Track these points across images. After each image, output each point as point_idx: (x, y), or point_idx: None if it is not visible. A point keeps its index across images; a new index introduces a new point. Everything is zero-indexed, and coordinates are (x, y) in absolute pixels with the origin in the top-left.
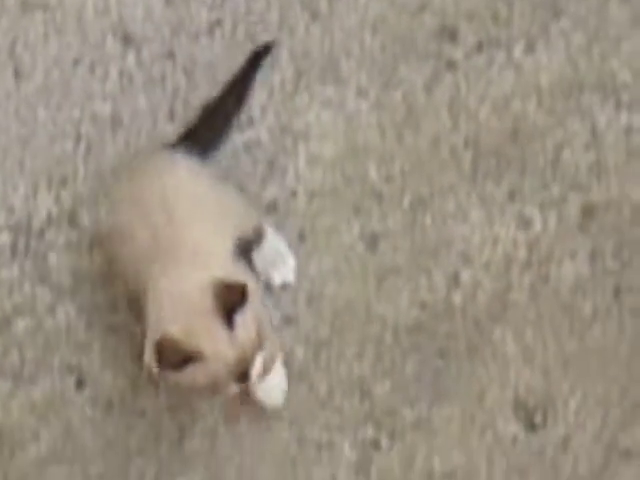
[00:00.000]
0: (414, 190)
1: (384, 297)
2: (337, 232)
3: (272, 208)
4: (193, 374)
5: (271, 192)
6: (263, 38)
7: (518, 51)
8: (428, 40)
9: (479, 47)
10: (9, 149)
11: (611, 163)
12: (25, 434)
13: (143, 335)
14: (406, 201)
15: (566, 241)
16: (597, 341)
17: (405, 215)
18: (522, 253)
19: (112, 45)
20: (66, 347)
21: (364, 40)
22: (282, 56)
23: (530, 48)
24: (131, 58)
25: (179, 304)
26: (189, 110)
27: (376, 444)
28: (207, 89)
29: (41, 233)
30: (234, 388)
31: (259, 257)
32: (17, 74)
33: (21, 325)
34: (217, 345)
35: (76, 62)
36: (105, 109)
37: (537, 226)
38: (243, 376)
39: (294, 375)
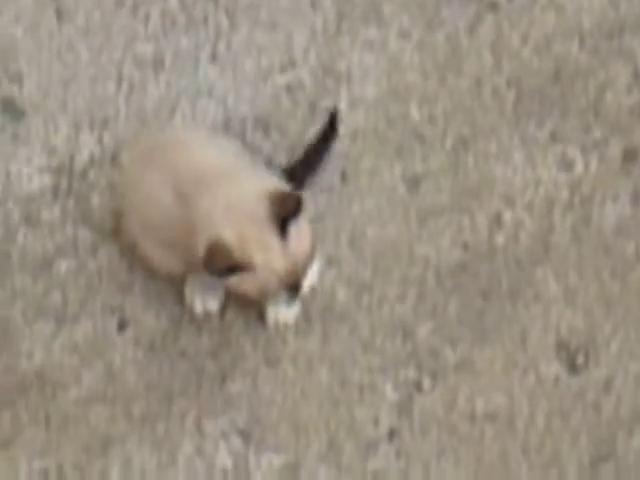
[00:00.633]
0: (456, 131)
1: (426, 238)
2: (379, 173)
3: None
4: (242, 281)
5: (313, 134)
6: None
7: None
8: None
9: None
10: (51, 90)
11: None
12: (67, 375)
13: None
14: (448, 142)
15: (608, 183)
16: (639, 283)
17: (447, 156)
18: (564, 194)
19: None
20: (108, 288)
21: None
22: None
23: None
24: None
25: (234, 211)
26: (231, 52)
27: (418, 385)
28: (249, 30)
29: (83, 174)
30: (284, 297)
31: None
32: (59, 15)
33: (63, 266)
34: (269, 255)
35: (118, 3)
36: (147, 50)
37: (579, 168)
38: (294, 287)
39: (335, 317)
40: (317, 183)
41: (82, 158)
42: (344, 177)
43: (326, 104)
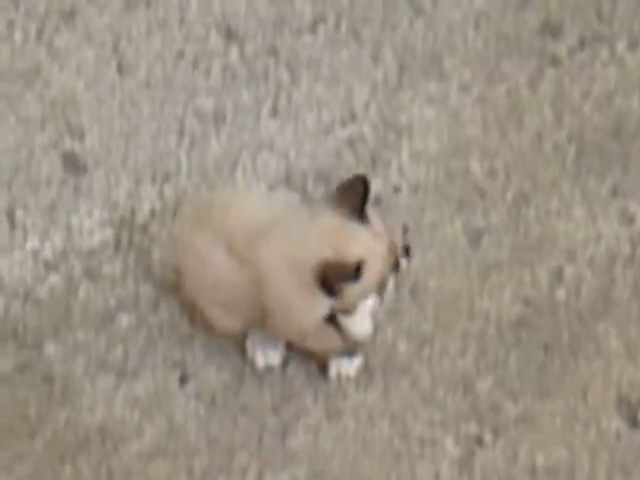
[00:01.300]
0: (517, 185)
1: (487, 292)
2: (440, 227)
3: (376, 203)
4: (364, 282)
5: (374, 187)
6: (366, 33)
7: (621, 47)
8: (531, 36)
9: (582, 43)
10: (112, 144)
11: None
12: (128, 429)
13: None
14: (509, 196)
15: None
16: None
17: (508, 210)
18: (625, 249)
19: (215, 40)
20: (169, 342)
21: (467, 35)
22: (385, 52)
23: (633, 44)
24: (234, 53)
25: (308, 238)
26: (292, 106)
27: (479, 440)
28: (309, 84)
29: (144, 228)
30: (392, 279)
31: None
32: (120, 69)
33: (124, 320)
34: (367, 244)
35: (179, 57)
36: (208, 104)
37: None
38: (396, 264)
39: (396, 370)
40: None
41: (143, 212)
42: (405, 230)
43: (387, 158)
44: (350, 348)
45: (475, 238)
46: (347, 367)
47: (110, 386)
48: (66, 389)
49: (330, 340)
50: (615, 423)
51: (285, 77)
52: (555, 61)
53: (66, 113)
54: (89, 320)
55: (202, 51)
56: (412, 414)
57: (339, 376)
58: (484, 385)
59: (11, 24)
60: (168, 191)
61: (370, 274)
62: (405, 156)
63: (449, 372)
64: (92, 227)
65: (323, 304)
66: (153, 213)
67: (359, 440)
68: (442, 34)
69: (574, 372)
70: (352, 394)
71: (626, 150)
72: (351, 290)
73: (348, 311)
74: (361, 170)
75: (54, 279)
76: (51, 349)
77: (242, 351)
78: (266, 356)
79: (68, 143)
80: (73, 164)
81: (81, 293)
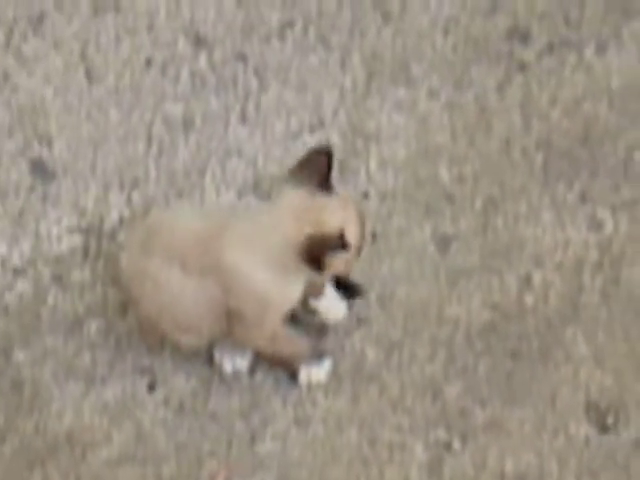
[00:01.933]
0: (486, 192)
1: (456, 298)
2: (409, 233)
3: None
4: (347, 249)
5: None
6: (334, 40)
7: (589, 52)
8: (499, 41)
9: (550, 48)
10: (81, 151)
11: None
12: (97, 435)
13: None
14: (478, 202)
15: (638, 243)
16: None
17: (477, 217)
18: (593, 255)
19: (184, 46)
20: (137, 349)
21: (435, 42)
22: (354, 58)
23: (601, 49)
24: (203, 59)
25: (280, 222)
26: (260, 112)
27: (448, 445)
28: (278, 90)
29: (113, 234)
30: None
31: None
32: (89, 76)
33: (93, 327)
34: (340, 212)
35: (148, 64)
36: (177, 110)
37: (608, 228)
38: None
39: (365, 376)
40: None
41: (111, 219)
42: (374, 237)
43: (355, 164)
44: (317, 351)
45: (444, 244)
46: (317, 373)
47: (79, 392)
48: (35, 395)
49: (298, 343)
50: (584, 428)
51: (253, 83)
52: (523, 67)
53: (34, 120)
54: (58, 326)
55: (170, 57)
56: (381, 420)
57: (310, 383)
58: (453, 391)
59: None
60: (136, 198)
61: (351, 240)
62: (373, 162)
63: (418, 378)
64: (60, 234)
65: (298, 288)
66: (121, 220)
67: (328, 446)
68: (410, 40)
69: (543, 378)
70: (320, 401)
71: (594, 156)
72: (336, 260)
73: (319, 293)
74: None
75: (23, 286)
76: (20, 356)
77: (210, 357)
78: (234, 362)
79: (36, 150)
80: (41, 171)
81: (50, 300)
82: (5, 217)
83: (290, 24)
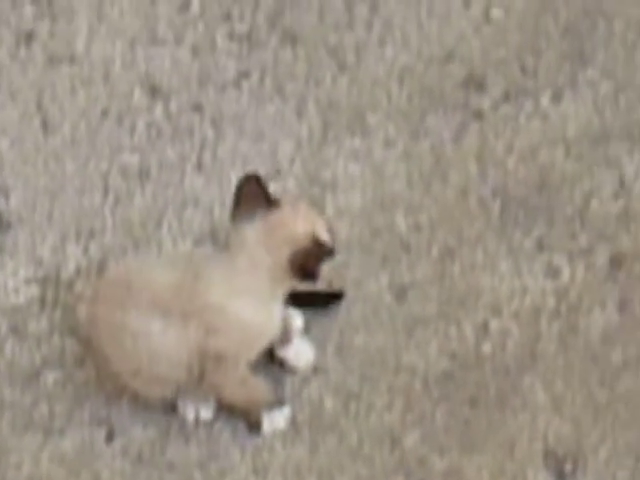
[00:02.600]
0: (442, 240)
1: (413, 347)
2: (366, 283)
3: None
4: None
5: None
6: (290, 89)
7: (545, 100)
8: (455, 90)
9: (506, 97)
10: (37, 202)
11: None
12: None
13: None
14: (434, 251)
15: (595, 290)
16: (627, 390)
17: (433, 265)
18: (551, 303)
19: (139, 97)
20: (95, 399)
21: (391, 91)
22: (310, 107)
23: (557, 97)
24: (158, 110)
25: (255, 254)
26: (217, 162)
27: None
28: (234, 140)
29: (70, 285)
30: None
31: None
32: (45, 127)
33: (50, 378)
34: (306, 220)
35: (104, 114)
36: (133, 161)
37: (566, 276)
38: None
39: (323, 425)
40: None
41: (68, 269)
42: (330, 286)
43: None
44: (277, 398)
45: (400, 293)
46: (278, 419)
47: (36, 443)
48: None
49: (262, 388)
50: (542, 476)
51: (210, 133)
52: (479, 115)
53: None
54: (15, 378)
55: (126, 108)
56: (339, 469)
57: (274, 430)
58: (411, 440)
59: None
60: (93, 248)
61: (324, 236)
62: (330, 211)
63: (376, 427)
64: (17, 285)
65: (279, 317)
66: (78, 270)
67: None
68: (366, 89)
69: (500, 426)
70: (279, 450)
71: (551, 204)
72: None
73: (287, 340)
74: None
75: None
76: None
77: (168, 407)
78: (198, 412)
79: None
80: None
81: (7, 351)
82: None
83: (246, 74)
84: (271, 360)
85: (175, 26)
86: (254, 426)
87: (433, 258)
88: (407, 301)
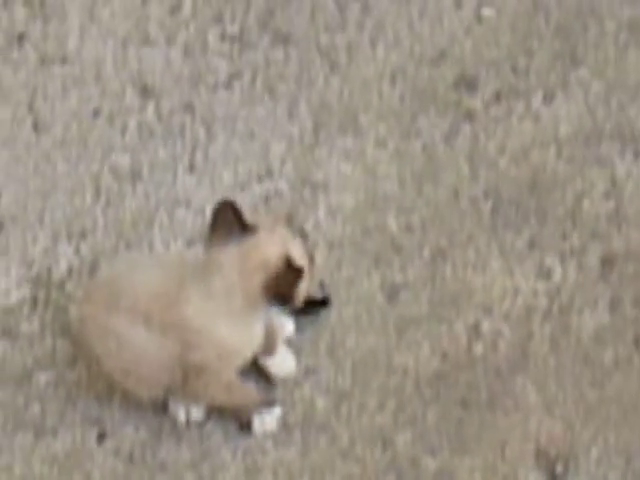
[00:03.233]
0: (434, 241)
1: (405, 347)
2: (357, 283)
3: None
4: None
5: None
6: (282, 89)
7: (537, 101)
8: (447, 90)
9: (498, 97)
10: (28, 202)
11: (631, 212)
12: None
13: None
14: (426, 252)
15: (586, 290)
16: (618, 390)
17: (425, 266)
18: (542, 303)
19: (131, 97)
20: (87, 400)
21: (383, 91)
22: (301, 108)
23: (549, 98)
24: (150, 110)
25: (229, 277)
26: (208, 162)
27: None
28: (226, 140)
29: (61, 285)
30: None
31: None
32: (36, 127)
33: (42, 378)
34: (279, 244)
35: (95, 115)
36: (124, 161)
37: (557, 276)
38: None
39: (315, 426)
40: None
41: (60, 270)
42: (322, 287)
43: (303, 214)
44: (267, 400)
45: (392, 293)
46: (268, 422)
47: (28, 444)
48: None
49: (250, 392)
50: (534, 476)
51: (201, 133)
52: (470, 116)
53: None
54: (7, 378)
55: (118, 108)
56: (331, 470)
57: (264, 431)
58: (402, 440)
59: None
60: (84, 249)
61: (299, 260)
62: (322, 212)
63: (367, 427)
64: (9, 286)
65: (259, 334)
66: (70, 271)
67: None
68: (357, 90)
69: (492, 426)
70: (271, 450)
71: (542, 204)
72: (300, 288)
73: (271, 351)
74: None
75: None
76: None
77: (160, 407)
78: (189, 412)
79: None
80: None
81: None
82: None
83: (238, 74)
84: (255, 367)
85: (167, 27)
86: (245, 427)
87: (425, 258)
88: (399, 301)
